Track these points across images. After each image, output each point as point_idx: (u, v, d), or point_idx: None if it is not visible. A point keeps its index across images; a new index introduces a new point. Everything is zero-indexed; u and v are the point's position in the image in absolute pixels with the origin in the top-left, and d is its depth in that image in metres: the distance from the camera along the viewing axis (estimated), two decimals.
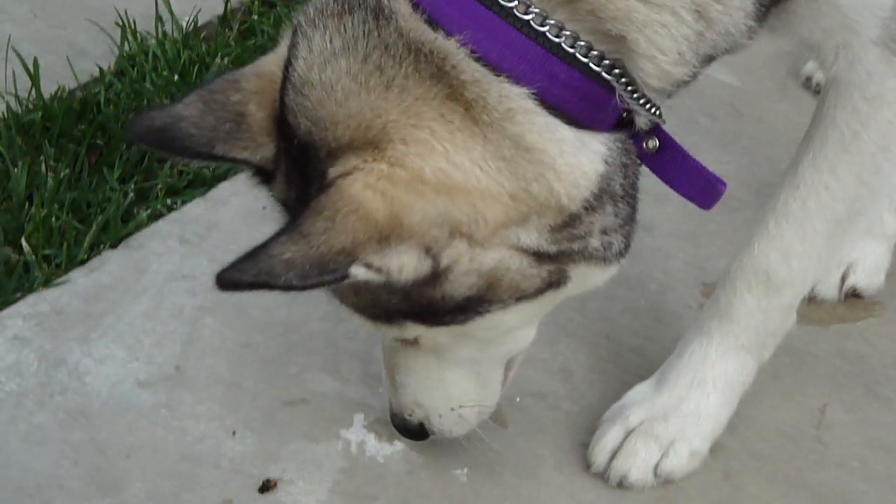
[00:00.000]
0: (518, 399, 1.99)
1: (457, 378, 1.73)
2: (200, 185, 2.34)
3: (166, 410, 1.94)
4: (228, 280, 1.36)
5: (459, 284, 1.52)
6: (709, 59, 1.57)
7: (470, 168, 1.47)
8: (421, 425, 1.77)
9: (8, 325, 2.03)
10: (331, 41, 1.49)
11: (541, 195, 1.50)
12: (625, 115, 1.55)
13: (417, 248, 1.46)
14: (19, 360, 1.99)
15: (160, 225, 2.25)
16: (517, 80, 1.46)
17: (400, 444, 1.92)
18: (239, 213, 2.30)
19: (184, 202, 2.31)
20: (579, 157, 1.51)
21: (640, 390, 1.94)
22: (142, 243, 2.21)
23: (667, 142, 1.63)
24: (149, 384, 1.98)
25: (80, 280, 2.13)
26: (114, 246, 2.19)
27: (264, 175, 1.59)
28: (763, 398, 1.98)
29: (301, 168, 1.51)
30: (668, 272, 2.22)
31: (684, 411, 1.89)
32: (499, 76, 1.46)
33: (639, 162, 1.61)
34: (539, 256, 1.54)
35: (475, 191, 1.47)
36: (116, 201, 2.24)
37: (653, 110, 1.57)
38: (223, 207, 2.32)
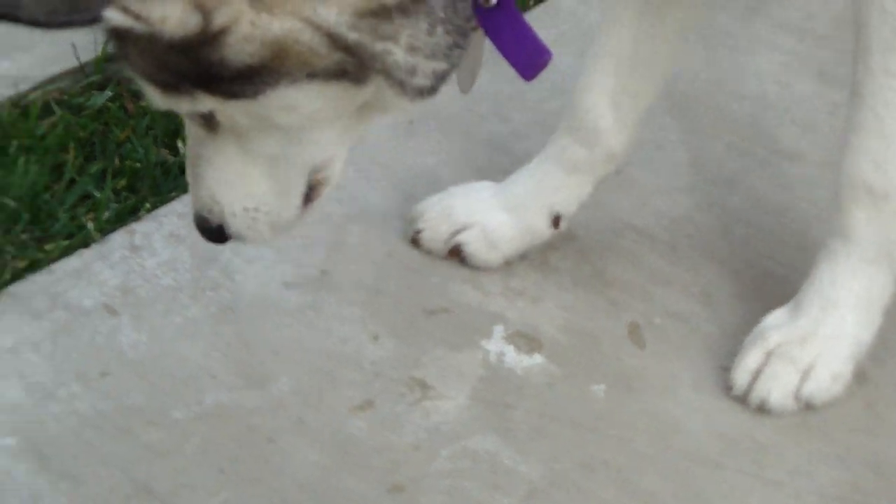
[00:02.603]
0: (657, 320, 2.00)
1: (254, 174, 1.64)
2: None
3: (311, 312, 1.99)
4: None
5: (239, 50, 1.43)
6: None
7: None
8: (220, 227, 1.70)
9: (164, 223, 2.11)
10: None
11: None
12: None
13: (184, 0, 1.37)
14: (174, 257, 2.06)
15: None
16: None
17: (539, 357, 1.94)
18: (386, 126, 2.33)
19: None
20: None
21: (779, 315, 1.92)
22: None
23: (505, 1, 1.58)
24: (295, 285, 2.03)
25: None
26: None
27: None
28: None
29: None
30: (814, 201, 2.19)
31: (821, 334, 1.87)
32: None
33: (470, 8, 1.55)
34: (333, 39, 1.45)
35: None
36: None
37: None
38: None
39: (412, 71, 1.51)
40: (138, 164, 2.22)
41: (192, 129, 1.63)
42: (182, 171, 2.20)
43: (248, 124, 1.55)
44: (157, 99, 1.53)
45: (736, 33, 2.61)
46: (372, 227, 2.13)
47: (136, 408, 1.81)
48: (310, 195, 1.69)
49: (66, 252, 2.05)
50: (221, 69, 1.44)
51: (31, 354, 1.87)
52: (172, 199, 2.15)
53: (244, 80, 1.45)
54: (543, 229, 2.05)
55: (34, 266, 2.03)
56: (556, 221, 2.05)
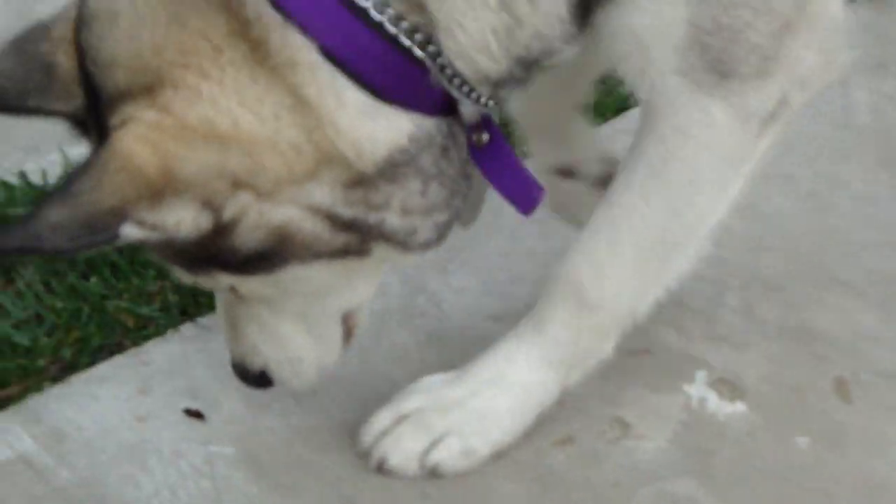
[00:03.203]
0: (865, 376, 1.97)
1: (288, 331, 1.67)
2: None
3: None
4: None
5: (248, 238, 1.46)
6: (528, 64, 1.48)
7: (240, 114, 1.38)
8: (263, 373, 1.72)
9: None
10: None
11: (323, 147, 1.42)
12: (452, 100, 1.47)
13: (195, 201, 1.39)
14: (384, 283, 2.09)
15: None
16: (307, 31, 1.37)
17: (741, 405, 1.94)
18: None
19: None
20: (367, 123, 1.43)
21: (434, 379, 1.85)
22: None
23: (496, 137, 1.54)
24: (500, 318, 2.07)
25: None
26: None
27: (84, 126, 1.48)
28: None
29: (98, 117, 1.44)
30: None
31: (469, 407, 1.79)
32: (288, 22, 1.37)
33: (465, 152, 1.52)
34: (333, 220, 1.47)
35: (248, 139, 1.39)
36: None
37: (480, 99, 1.48)
38: None
39: (412, 231, 1.53)
40: None
41: (220, 293, 1.68)
42: None
43: (270, 293, 1.59)
44: (182, 275, 1.57)
45: None
46: None
47: (345, 424, 1.88)
48: (346, 333, 1.73)
49: None
50: (234, 254, 1.48)
51: None
52: None
53: (257, 262, 1.50)
54: None
55: None
56: None
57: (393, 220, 1.50)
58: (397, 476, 1.79)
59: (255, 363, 1.71)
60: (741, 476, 1.83)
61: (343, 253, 1.52)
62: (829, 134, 2.49)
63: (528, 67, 1.49)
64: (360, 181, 1.46)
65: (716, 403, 1.95)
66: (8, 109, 1.50)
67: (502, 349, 1.83)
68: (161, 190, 1.35)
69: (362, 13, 1.39)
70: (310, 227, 1.47)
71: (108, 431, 1.85)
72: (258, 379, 1.73)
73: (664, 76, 1.56)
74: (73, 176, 1.33)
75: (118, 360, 1.97)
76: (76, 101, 1.46)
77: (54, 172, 2.26)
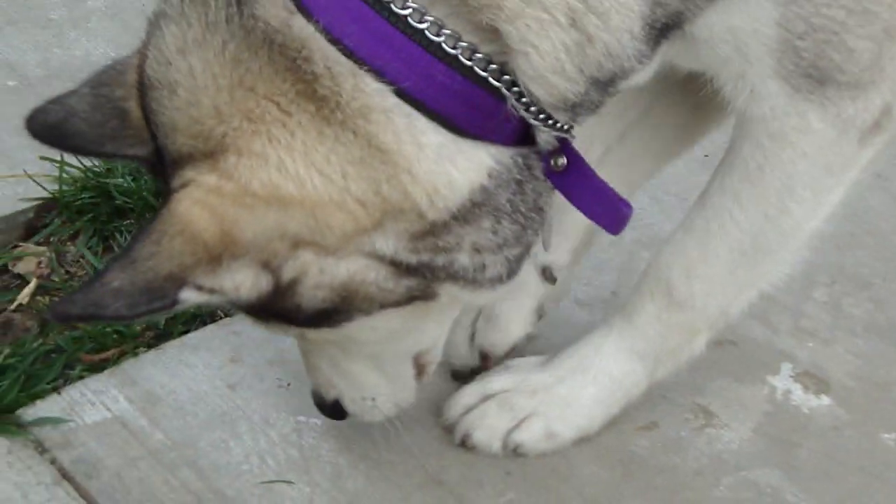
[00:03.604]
0: None
1: (361, 371, 1.66)
2: None
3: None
4: (59, 313, 1.34)
5: (311, 297, 1.43)
6: (602, 85, 1.43)
7: (306, 176, 1.35)
8: (338, 405, 1.71)
9: None
10: (187, 31, 1.36)
11: (394, 198, 1.38)
12: (528, 128, 1.44)
13: (254, 264, 1.37)
14: None
15: None
16: (382, 75, 1.34)
17: (826, 399, 1.94)
18: (682, 159, 2.36)
19: None
20: (446, 165, 1.39)
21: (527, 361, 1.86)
22: None
23: (575, 160, 1.49)
24: (587, 304, 2.09)
25: None
26: None
27: (161, 169, 1.45)
28: None
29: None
30: None
31: (555, 392, 1.80)
32: (360, 69, 1.33)
33: (545, 182, 1.48)
34: (397, 267, 1.43)
35: (312, 201, 1.36)
36: None
37: (557, 125, 1.44)
38: None
39: (481, 268, 1.49)
40: None
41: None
42: None
43: (338, 340, 1.58)
44: (256, 323, 1.54)
45: None
46: None
47: (430, 401, 1.89)
48: (421, 370, 1.73)
49: None
50: (299, 312, 1.46)
51: None
52: None
53: (321, 318, 1.47)
54: None
55: None
56: None
57: (463, 259, 1.47)
58: (480, 452, 1.82)
59: (330, 395, 1.71)
60: (825, 469, 1.83)
61: (409, 300, 1.49)
62: None
63: (602, 89, 1.45)
64: (430, 230, 1.43)
65: (800, 396, 1.95)
66: (86, 153, 1.51)
67: (593, 339, 1.84)
68: (219, 254, 1.33)
69: (437, 49, 1.36)
70: (373, 277, 1.44)
71: (199, 397, 1.89)
72: (333, 409, 1.73)
73: (763, 80, 1.53)
74: (134, 240, 1.33)
75: (210, 329, 2.01)
76: (149, 148, 1.44)
77: None
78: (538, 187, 1.49)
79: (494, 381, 1.85)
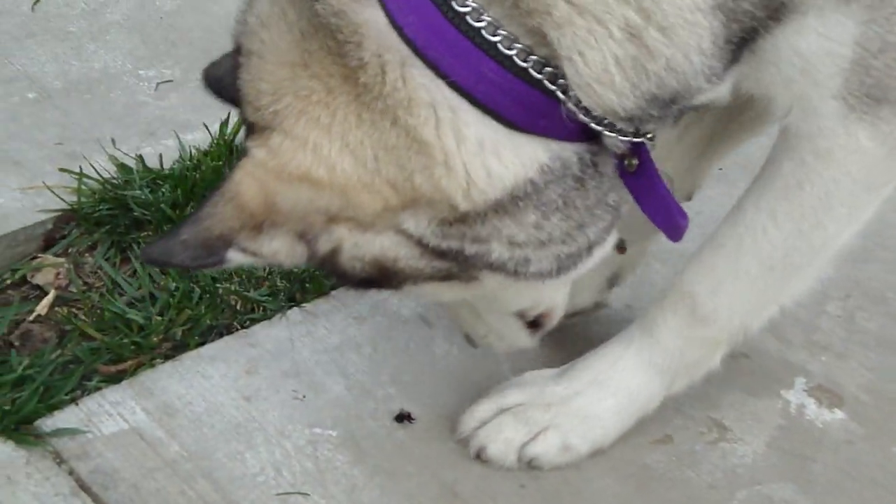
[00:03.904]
0: None
1: (467, 317, 1.77)
2: None
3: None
4: (145, 255, 1.55)
5: (351, 268, 1.51)
6: (663, 103, 1.41)
7: (338, 160, 1.42)
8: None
9: None
10: (273, 5, 1.44)
11: (424, 188, 1.43)
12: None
13: (290, 234, 1.46)
14: None
15: None
16: (437, 68, 1.37)
17: (840, 413, 1.94)
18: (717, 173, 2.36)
19: None
20: (488, 159, 1.41)
21: (543, 373, 1.88)
22: None
23: (645, 163, 1.50)
24: (601, 317, 2.09)
25: None
26: None
27: None
28: None
29: None
30: None
31: (573, 405, 1.82)
32: (412, 59, 1.37)
33: (615, 179, 1.49)
34: (424, 248, 1.48)
35: (342, 183, 1.43)
36: None
37: (620, 130, 1.44)
38: None
39: (524, 262, 1.50)
40: None
41: None
42: None
43: (420, 294, 1.63)
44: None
45: None
46: (675, 266, 2.17)
47: (444, 415, 1.91)
48: (537, 323, 1.78)
49: None
50: (350, 278, 1.54)
51: (353, 354, 2.01)
52: None
53: (373, 284, 1.55)
54: None
55: None
56: None
57: (500, 251, 1.49)
58: (495, 465, 1.83)
59: (475, 338, 1.83)
60: (839, 483, 1.84)
61: (445, 278, 1.53)
62: None
63: (664, 106, 1.43)
64: (461, 219, 1.46)
65: (814, 410, 1.95)
66: (232, 102, 1.56)
67: (610, 351, 1.85)
68: (261, 222, 1.44)
69: (491, 48, 1.38)
70: (404, 254, 1.50)
71: (216, 408, 1.90)
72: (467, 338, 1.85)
73: (823, 100, 1.53)
74: (205, 199, 1.45)
75: (227, 341, 2.03)
76: None
77: (170, 156, 2.33)
78: (605, 184, 1.49)
79: (509, 395, 1.86)
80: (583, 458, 1.84)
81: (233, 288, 2.10)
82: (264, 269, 2.13)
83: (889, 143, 1.58)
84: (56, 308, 2.08)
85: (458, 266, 1.51)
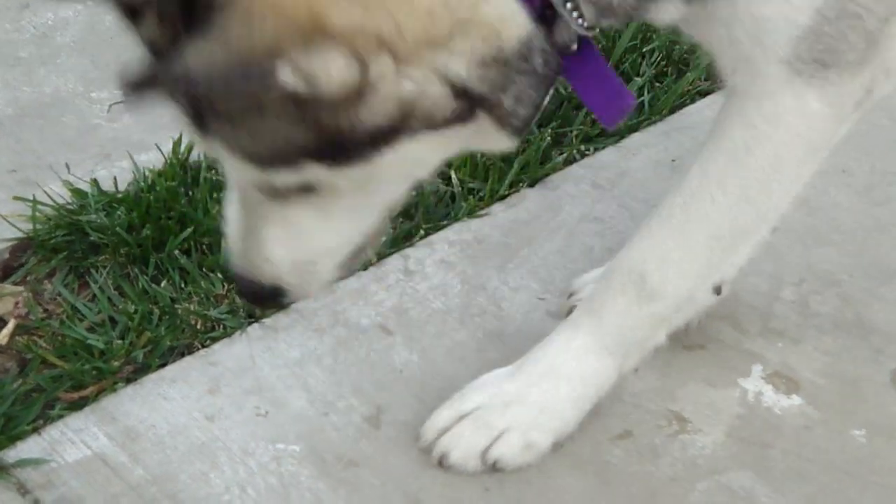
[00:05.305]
0: None
1: (322, 229, 1.62)
2: (612, 134, 2.46)
3: None
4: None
5: (376, 111, 1.43)
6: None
7: None
8: (274, 288, 1.67)
9: (436, 249, 2.24)
10: None
11: (462, 11, 1.41)
12: (548, 12, 1.48)
13: (345, 53, 1.37)
14: (445, 282, 2.18)
15: (574, 169, 2.40)
16: None
17: (797, 399, 1.96)
18: (648, 162, 2.40)
19: (596, 149, 2.45)
20: (512, 5, 1.44)
21: (497, 374, 1.88)
22: (557, 184, 2.37)
23: (586, 45, 1.53)
24: (559, 316, 2.10)
25: (500, 214, 2.31)
26: (531, 185, 2.36)
27: (132, 14, 1.41)
28: None
29: None
30: None
31: (529, 400, 1.83)
32: None
33: (556, 57, 1.51)
34: (457, 92, 1.46)
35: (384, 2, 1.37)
36: (536, 144, 2.39)
37: (578, 20, 1.48)
38: (633, 157, 2.44)
39: (514, 113, 1.51)
40: (413, 192, 2.34)
41: (245, 198, 1.61)
42: (454, 199, 2.33)
43: (346, 186, 1.54)
44: (247, 173, 1.51)
45: None
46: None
47: (407, 423, 1.93)
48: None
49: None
50: (350, 135, 1.45)
51: (314, 367, 2.02)
52: (444, 226, 2.27)
53: (367, 144, 1.47)
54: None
55: None
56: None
57: (508, 101, 1.49)
58: (459, 472, 1.84)
59: (267, 274, 1.66)
60: (798, 469, 1.86)
61: (451, 121, 1.49)
62: (887, 127, 2.49)
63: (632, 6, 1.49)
64: (496, 58, 1.45)
65: (772, 397, 1.97)
66: None
67: (557, 340, 1.87)
68: (311, 35, 1.33)
69: None
70: (434, 92, 1.45)
71: (178, 430, 1.91)
72: (270, 293, 1.68)
73: (769, 64, 1.55)
74: (215, 20, 1.29)
75: (188, 361, 2.03)
76: None
77: (125, 178, 2.34)
78: (555, 64, 1.51)
79: (467, 401, 1.88)
80: (546, 452, 1.86)
81: (192, 308, 2.11)
82: (223, 286, 2.15)
83: (836, 103, 1.60)
84: (17, 337, 2.09)
85: (469, 106, 1.48)
